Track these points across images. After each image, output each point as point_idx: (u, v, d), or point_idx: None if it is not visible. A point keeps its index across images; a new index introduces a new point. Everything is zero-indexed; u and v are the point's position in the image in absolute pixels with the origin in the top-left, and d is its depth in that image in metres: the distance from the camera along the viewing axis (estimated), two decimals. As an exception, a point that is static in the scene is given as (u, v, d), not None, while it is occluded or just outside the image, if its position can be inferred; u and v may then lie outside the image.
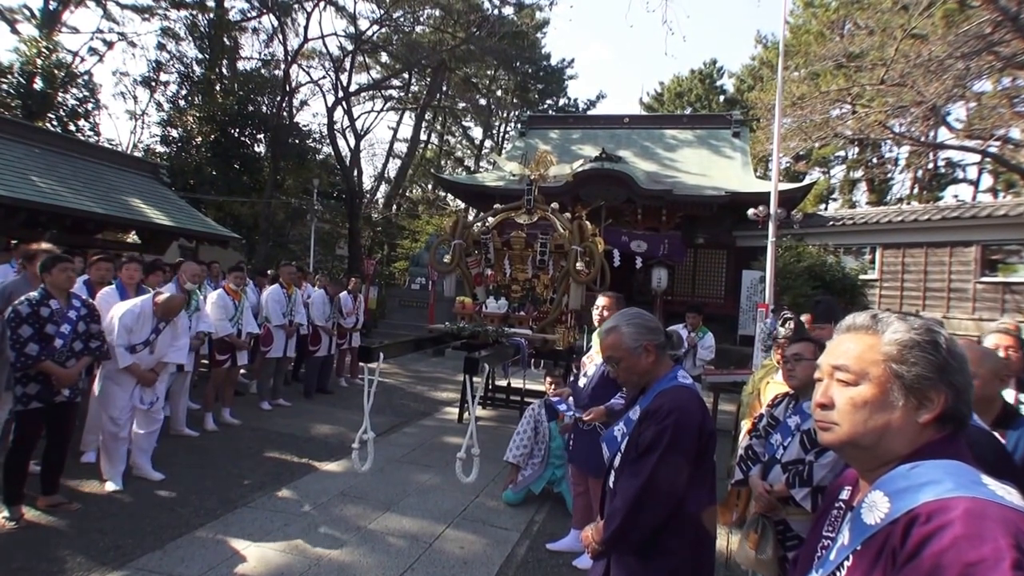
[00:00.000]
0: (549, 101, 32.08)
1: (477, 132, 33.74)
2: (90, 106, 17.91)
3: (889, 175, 26.97)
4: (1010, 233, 12.64)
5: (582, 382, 3.52)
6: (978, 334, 10.73)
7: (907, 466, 0.91)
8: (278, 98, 19.10)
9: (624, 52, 68.94)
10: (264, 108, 19.04)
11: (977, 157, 16.10)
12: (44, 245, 4.52)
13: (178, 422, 5.43)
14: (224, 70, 19.71)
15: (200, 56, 19.40)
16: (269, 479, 4.54)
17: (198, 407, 5.98)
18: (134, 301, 4.26)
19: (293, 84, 20.47)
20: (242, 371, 8.19)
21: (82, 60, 19.59)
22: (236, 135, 18.01)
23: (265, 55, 21.34)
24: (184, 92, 19.51)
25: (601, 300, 3.67)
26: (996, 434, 1.88)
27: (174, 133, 18.55)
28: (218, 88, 18.55)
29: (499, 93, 31.32)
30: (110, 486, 4.07)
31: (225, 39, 19.17)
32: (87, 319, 3.78)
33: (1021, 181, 11.73)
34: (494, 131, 33.00)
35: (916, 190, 25.92)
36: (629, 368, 1.84)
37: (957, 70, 10.20)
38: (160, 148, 18.95)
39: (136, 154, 18.27)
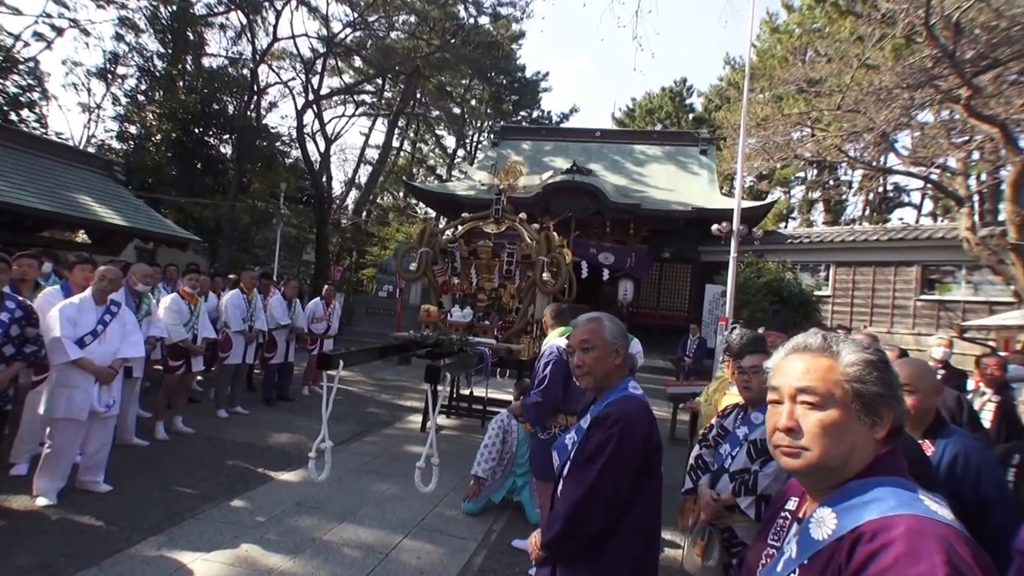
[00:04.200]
0: (523, 112, 32.39)
1: (450, 141, 33.80)
2: (35, 95, 17.16)
3: (844, 197, 28.08)
4: (946, 255, 13.40)
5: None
6: (920, 348, 11.22)
7: (855, 483, 0.95)
8: (245, 98, 18.71)
9: (598, 68, 70.17)
10: (230, 108, 18.61)
11: (920, 183, 16.93)
12: None
13: (125, 431, 5.18)
14: (188, 66, 19.09)
15: (162, 50, 18.74)
16: (221, 490, 4.40)
17: (149, 415, 5.75)
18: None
19: (261, 84, 20.10)
20: (199, 378, 7.98)
21: (26, 45, 18.44)
22: (199, 134, 17.54)
23: (233, 53, 20.81)
24: (144, 87, 18.80)
25: (548, 310, 3.77)
26: (927, 442, 1.98)
27: (132, 129, 17.92)
28: (181, 85, 17.91)
29: (473, 103, 31.47)
30: (42, 501, 3.79)
31: (189, 34, 18.52)
32: (22, 322, 3.60)
33: (956, 207, 12.36)
34: (467, 140, 33.11)
35: (867, 212, 27.06)
36: (598, 360, 1.83)
37: (903, 100, 10.72)
38: (116, 144, 18.28)
39: (89, 150, 17.58)
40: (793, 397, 1.00)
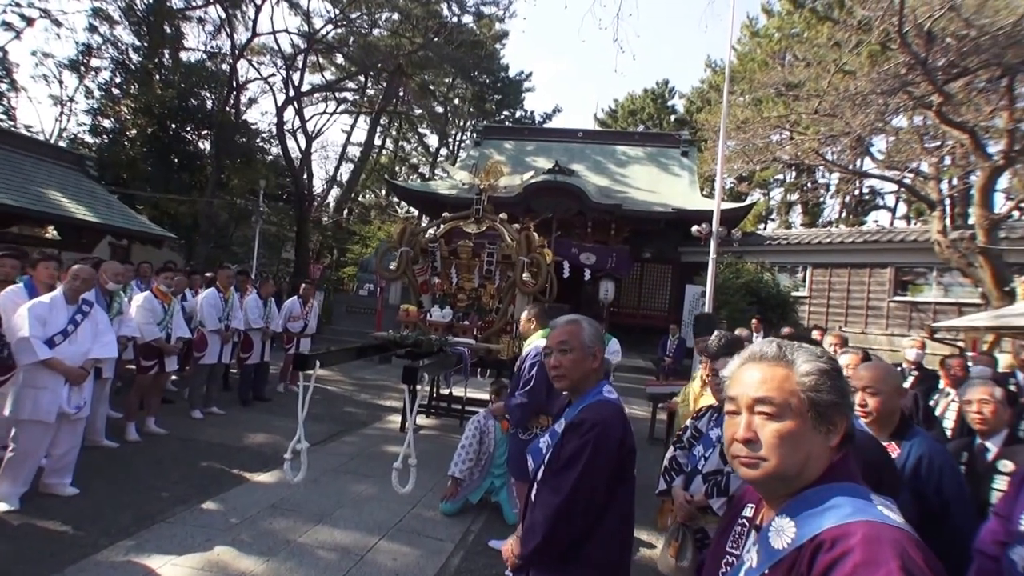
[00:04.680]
0: (506, 112, 32.39)
1: (433, 140, 33.64)
2: (3, 87, 16.69)
3: (821, 199, 28.59)
4: (919, 257, 13.71)
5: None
6: (893, 349, 11.45)
7: (811, 491, 0.96)
8: (224, 93, 18.38)
9: (581, 69, 70.40)
10: (208, 103, 18.27)
11: (895, 186, 17.33)
12: None
13: (95, 432, 5.06)
14: (165, 60, 18.66)
15: (137, 43, 18.25)
16: (194, 492, 4.32)
17: (120, 416, 5.63)
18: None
19: (241, 80, 19.76)
20: (173, 378, 7.84)
21: (-6, 35, 18.12)
22: (176, 130, 17.18)
23: (211, 48, 20.35)
24: (118, 80, 18.29)
25: (525, 312, 3.77)
26: (893, 443, 2.02)
27: (106, 124, 17.47)
28: (157, 79, 17.49)
29: (456, 101, 31.36)
30: (2, 506, 3.66)
31: (167, 27, 18.12)
32: None
33: (929, 210, 12.67)
34: (450, 139, 32.99)
35: (844, 214, 27.54)
36: (575, 362, 1.83)
37: (878, 105, 10.95)
38: (89, 139, 17.79)
39: (61, 144, 17.13)
40: (751, 407, 1.00)
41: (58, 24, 19.25)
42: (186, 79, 17.73)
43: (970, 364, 5.05)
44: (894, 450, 2.00)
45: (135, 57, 18.23)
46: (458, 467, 4.38)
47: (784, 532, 0.94)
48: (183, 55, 19.83)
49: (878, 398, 2.01)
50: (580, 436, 1.71)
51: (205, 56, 20.16)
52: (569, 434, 1.75)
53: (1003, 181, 14.13)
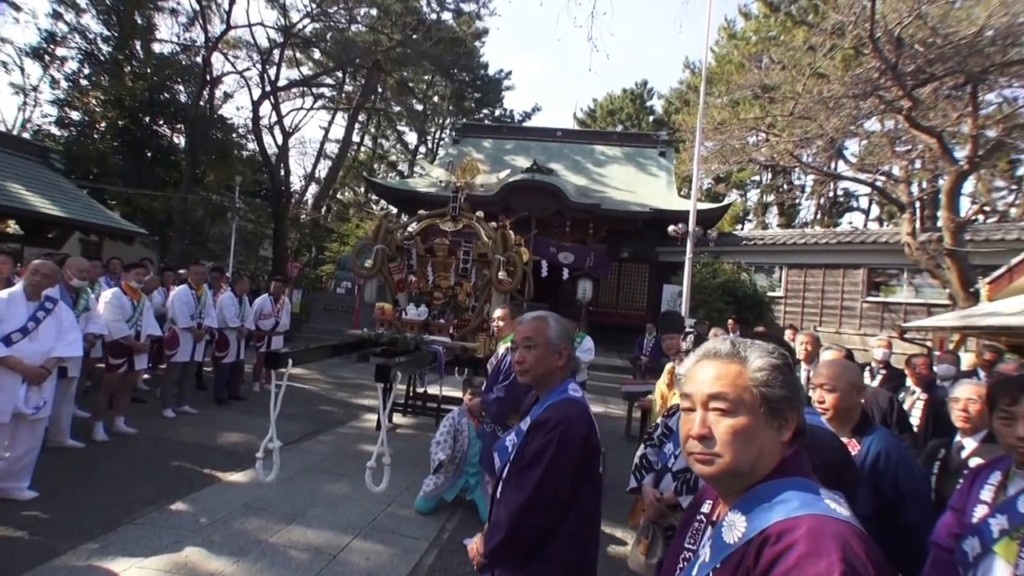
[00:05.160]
0: (485, 110, 32.36)
1: (412, 137, 33.50)
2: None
3: (797, 200, 29.09)
4: (890, 259, 14.05)
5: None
6: (865, 348, 11.71)
7: (762, 486, 0.97)
8: (198, 87, 17.99)
9: (560, 68, 70.60)
10: (182, 97, 17.88)
11: (868, 189, 17.74)
12: None
13: (59, 432, 4.91)
14: (136, 51, 18.12)
15: (106, 33, 17.68)
16: (163, 492, 4.24)
17: (87, 415, 5.49)
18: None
19: (216, 73, 19.39)
20: (145, 377, 7.68)
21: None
22: (148, 123, 16.78)
23: (185, 40, 19.90)
24: (87, 71, 17.73)
25: (498, 311, 3.77)
26: (854, 440, 2.07)
27: (74, 115, 16.95)
28: (128, 70, 17.03)
29: (435, 99, 31.24)
30: None
31: (137, 17, 17.63)
32: None
33: (899, 213, 13.00)
34: (429, 137, 32.87)
35: (819, 215, 28.10)
36: (540, 358, 1.83)
37: (851, 108, 11.19)
38: (56, 131, 17.23)
39: (24, 135, 16.59)
40: (705, 404, 1.01)
41: (16, 8, 18.54)
42: (159, 71, 17.31)
43: (935, 363, 5.20)
44: (854, 447, 2.05)
45: (104, 47, 17.66)
46: (438, 456, 4.35)
47: (736, 527, 0.96)
48: (155, 47, 19.37)
49: (835, 395, 2.06)
50: (544, 434, 1.71)
51: (178, 48, 19.73)
52: (533, 432, 1.76)
53: (968, 186, 14.59)
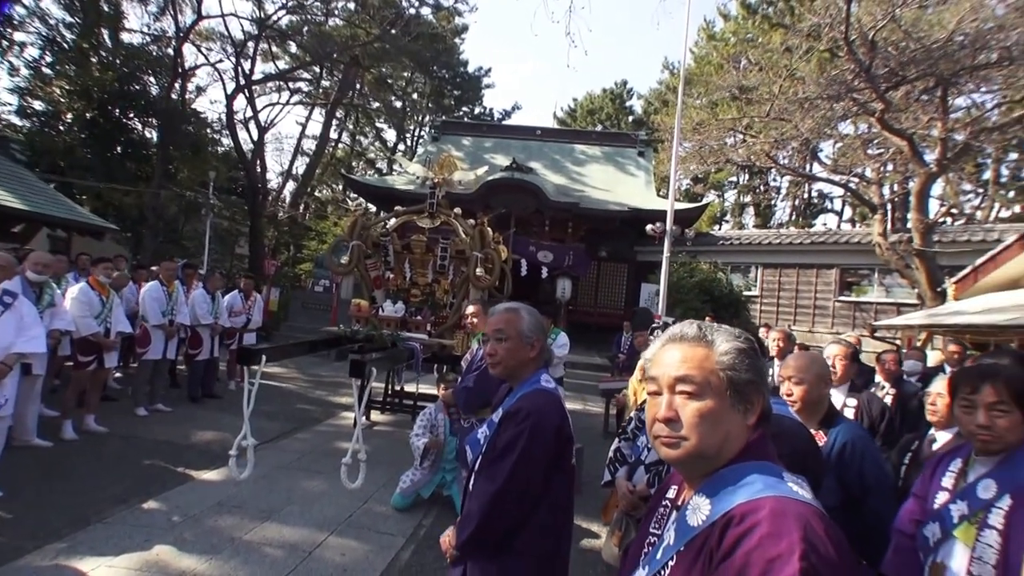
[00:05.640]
0: (465, 108, 32.26)
1: (391, 135, 33.25)
2: None
3: (773, 202, 29.63)
4: (862, 259, 14.38)
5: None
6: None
7: (727, 470, 0.98)
8: (169, 79, 17.44)
9: (541, 67, 70.73)
10: (153, 89, 17.31)
11: (841, 190, 18.16)
12: None
13: (25, 431, 4.77)
14: (104, 40, 17.42)
15: (69, 19, 16.85)
16: (134, 491, 4.15)
17: (56, 414, 5.35)
18: None
19: (188, 65, 18.90)
20: (117, 375, 7.51)
21: None
22: (118, 116, 16.20)
23: (155, 30, 19.22)
24: (49, 59, 16.89)
25: (470, 307, 3.76)
26: (821, 432, 2.12)
27: (36, 105, 16.27)
28: (95, 60, 16.36)
29: (414, 96, 31.06)
30: None
31: (104, 5, 16.94)
32: None
33: (871, 214, 13.32)
34: (408, 134, 32.64)
35: (794, 216, 28.63)
36: (511, 351, 1.82)
37: (825, 110, 11.42)
38: (17, 120, 16.55)
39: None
40: (671, 387, 1.01)
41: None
42: (128, 62, 16.62)
43: (906, 360, 5.33)
44: (821, 438, 2.10)
45: (68, 35, 16.80)
46: (419, 444, 4.32)
47: (700, 510, 0.96)
48: (124, 36, 18.67)
49: (803, 387, 2.11)
50: (516, 424, 1.71)
51: (148, 39, 19.08)
52: (505, 423, 1.75)
53: (937, 188, 15.01)
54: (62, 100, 15.68)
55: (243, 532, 3.69)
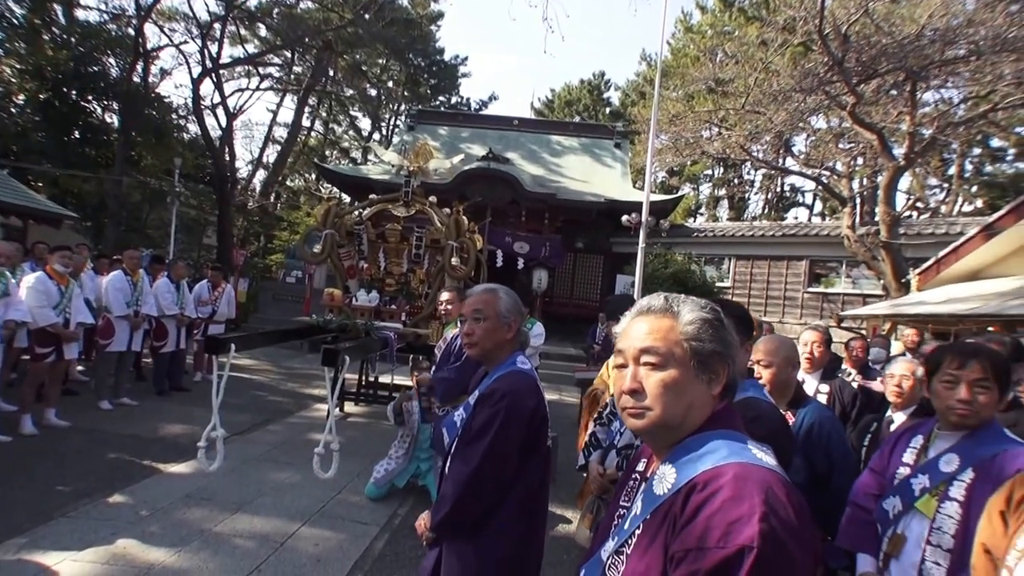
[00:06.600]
0: (441, 97, 31.96)
1: (365, 123, 32.73)
2: None
3: (746, 195, 30.10)
4: (830, 251, 14.74)
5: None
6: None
7: (692, 439, 0.99)
8: (130, 60, 16.64)
9: (520, 57, 70.40)
10: (113, 71, 16.52)
11: (812, 184, 18.55)
12: None
13: (-20, 425, 4.64)
14: (56, 17, 16.58)
15: None
16: (99, 485, 4.04)
17: (14, 409, 5.16)
18: None
19: (150, 47, 18.12)
20: (80, 368, 7.28)
21: None
22: (75, 98, 15.46)
23: (114, 7, 18.29)
24: None
25: (444, 295, 3.74)
26: (790, 412, 2.17)
27: (-16, 84, 15.56)
28: (47, 38, 15.60)
29: (390, 84, 30.59)
30: None
31: None
32: None
33: (840, 207, 13.64)
34: (383, 123, 32.18)
35: (767, 210, 29.16)
36: (488, 331, 1.82)
37: (798, 102, 11.60)
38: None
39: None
40: (637, 359, 1.02)
41: None
42: (84, 41, 15.81)
43: (872, 348, 5.47)
44: (790, 419, 2.15)
45: (17, 10, 15.67)
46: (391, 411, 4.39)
47: (666, 479, 0.97)
48: (80, 13, 17.69)
49: (771, 370, 2.15)
50: (491, 406, 1.71)
51: (107, 16, 18.11)
52: (481, 404, 1.75)
53: (904, 183, 15.43)
54: (12, 80, 14.89)
55: (213, 524, 3.62)
